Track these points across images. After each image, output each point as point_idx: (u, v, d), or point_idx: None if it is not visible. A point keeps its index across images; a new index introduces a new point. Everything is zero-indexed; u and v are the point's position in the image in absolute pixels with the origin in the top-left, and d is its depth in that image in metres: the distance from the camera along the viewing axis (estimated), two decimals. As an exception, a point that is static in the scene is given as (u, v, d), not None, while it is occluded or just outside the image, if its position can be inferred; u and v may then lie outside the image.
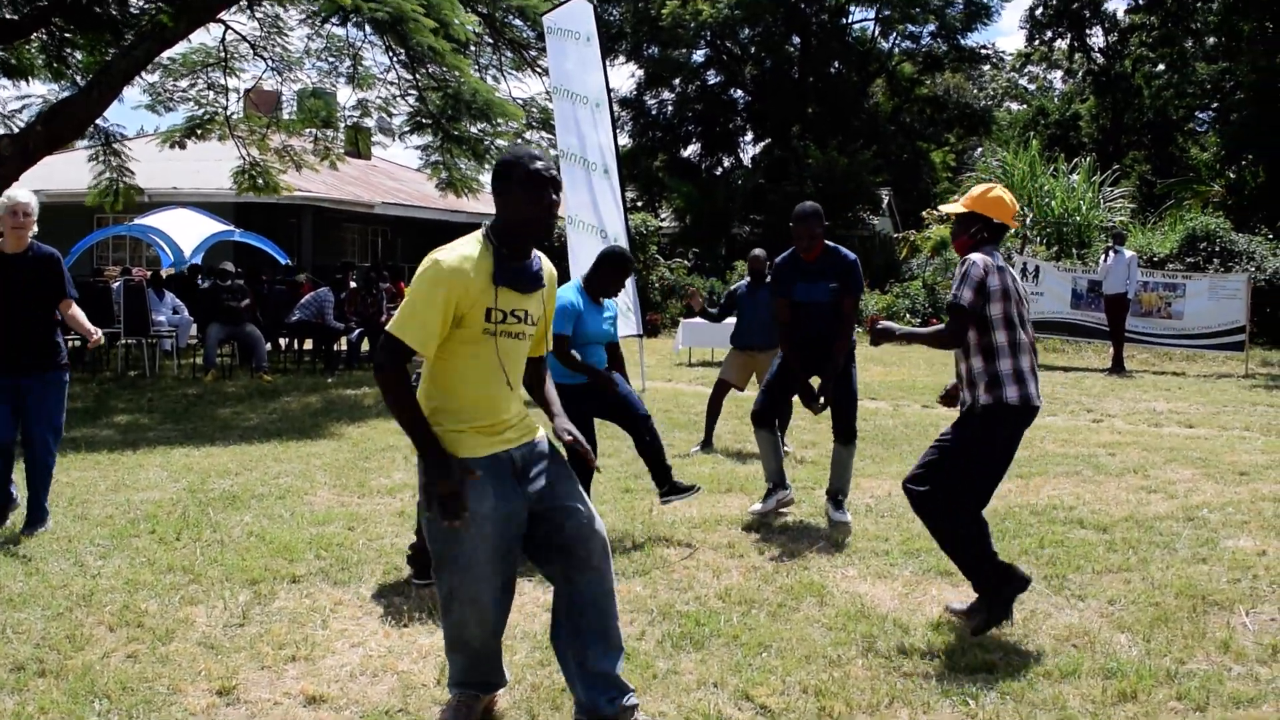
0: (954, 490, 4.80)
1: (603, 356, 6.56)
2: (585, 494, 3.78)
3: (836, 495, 6.62)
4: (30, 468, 6.43)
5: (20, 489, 6.64)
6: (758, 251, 9.93)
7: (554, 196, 3.58)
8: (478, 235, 3.61)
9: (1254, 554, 5.98)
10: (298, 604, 5.14)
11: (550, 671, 4.29)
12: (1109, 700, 4.04)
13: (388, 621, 4.91)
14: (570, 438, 3.78)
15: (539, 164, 3.57)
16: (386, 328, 3.49)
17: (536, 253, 3.69)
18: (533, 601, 5.21)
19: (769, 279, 9.21)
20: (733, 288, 9.95)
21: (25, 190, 6.50)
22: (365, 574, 5.63)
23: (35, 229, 6.41)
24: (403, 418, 3.49)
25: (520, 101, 17.43)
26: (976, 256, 4.78)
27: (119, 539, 6.24)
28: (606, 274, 6.46)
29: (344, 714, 3.93)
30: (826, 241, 6.70)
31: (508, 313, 3.57)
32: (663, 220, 35.32)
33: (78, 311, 6.60)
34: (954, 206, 5.03)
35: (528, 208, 3.55)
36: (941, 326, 4.96)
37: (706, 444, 9.48)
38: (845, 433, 6.69)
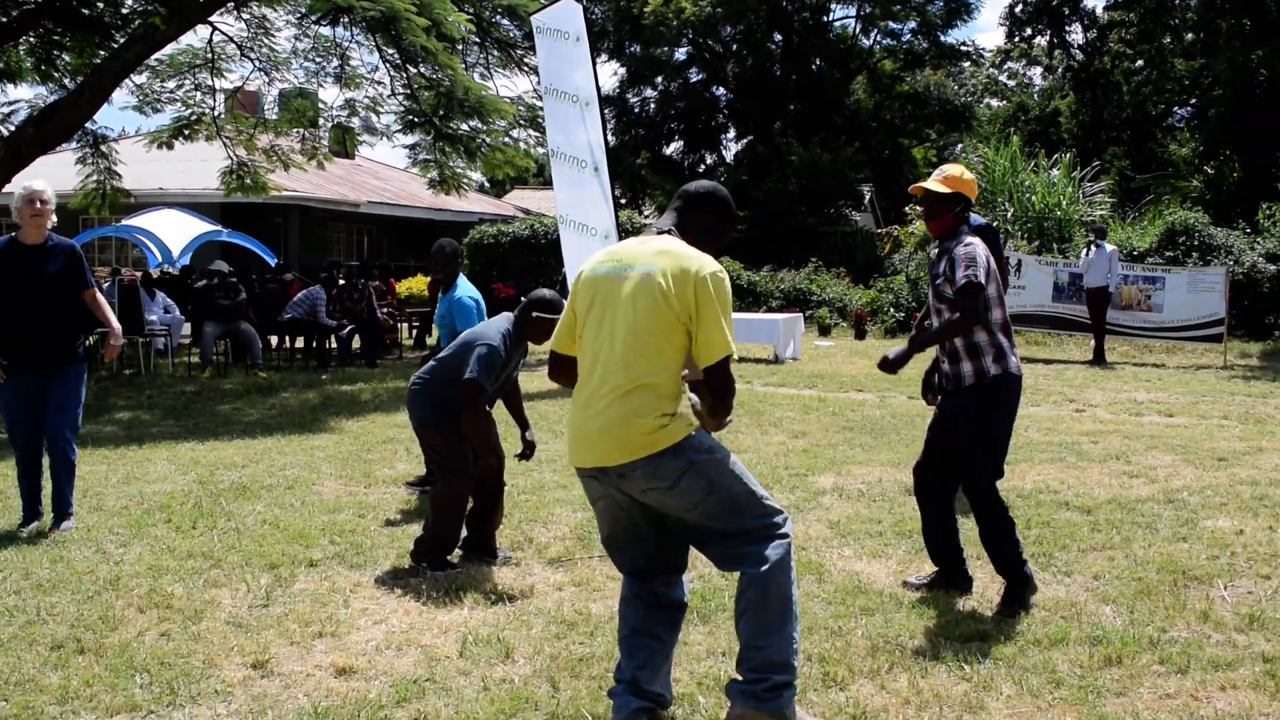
0: (989, 463, 4.95)
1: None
2: None
3: None
4: (54, 463, 6.41)
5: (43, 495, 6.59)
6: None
7: None
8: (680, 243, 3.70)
9: (1232, 533, 6.23)
10: (318, 586, 5.34)
11: (566, 644, 4.51)
12: (1095, 665, 4.28)
13: (406, 600, 5.12)
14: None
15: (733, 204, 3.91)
16: (729, 352, 3.52)
17: None
18: (543, 582, 5.43)
19: None
20: None
21: (40, 180, 6.41)
22: (380, 558, 5.84)
23: (54, 220, 6.39)
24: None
25: (509, 99, 17.60)
26: (973, 239, 4.97)
27: (137, 528, 6.42)
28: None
29: (375, 684, 4.14)
30: None
31: None
32: (646, 218, 35.53)
33: (103, 301, 6.58)
34: (938, 186, 5.06)
35: (723, 240, 3.86)
36: (954, 317, 4.89)
37: None
38: None
